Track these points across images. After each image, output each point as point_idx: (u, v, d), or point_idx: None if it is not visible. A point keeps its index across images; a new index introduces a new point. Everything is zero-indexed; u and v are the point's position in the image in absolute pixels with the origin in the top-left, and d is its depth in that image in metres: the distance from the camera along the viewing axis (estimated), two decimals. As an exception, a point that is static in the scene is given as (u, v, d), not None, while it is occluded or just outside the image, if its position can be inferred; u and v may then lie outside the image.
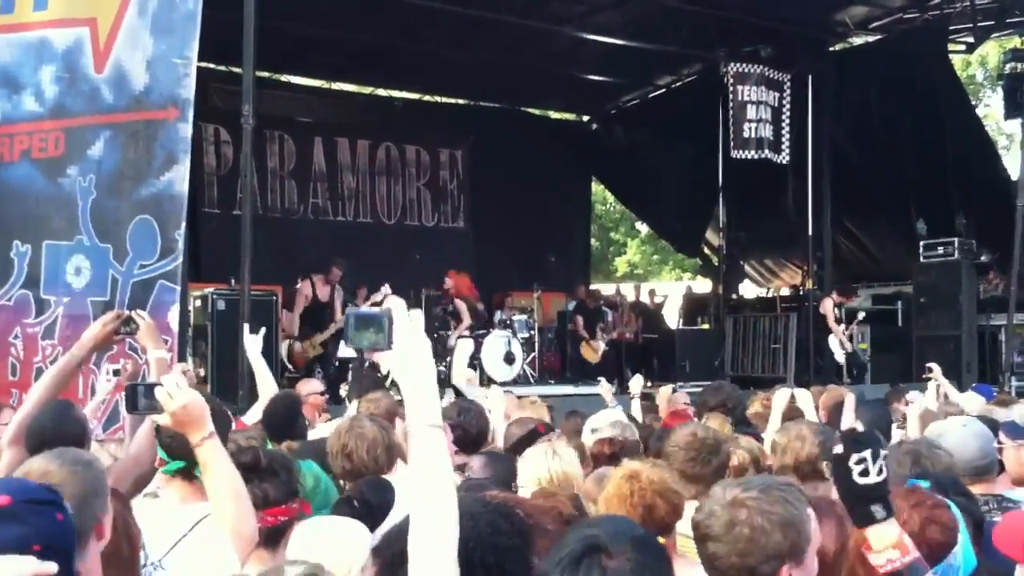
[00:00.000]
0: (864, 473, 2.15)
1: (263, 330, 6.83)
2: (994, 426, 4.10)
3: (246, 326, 6.97)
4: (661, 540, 2.86)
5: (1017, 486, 3.84)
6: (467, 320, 14.43)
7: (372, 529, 3.40)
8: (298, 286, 13.25)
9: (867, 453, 2.17)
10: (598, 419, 5.48)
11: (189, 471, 3.53)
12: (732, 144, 16.15)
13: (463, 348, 12.43)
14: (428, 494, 2.07)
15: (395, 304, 2.20)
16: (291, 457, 3.61)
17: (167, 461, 3.62)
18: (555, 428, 5.51)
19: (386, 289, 11.59)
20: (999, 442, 3.85)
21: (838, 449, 2.23)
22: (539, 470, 3.93)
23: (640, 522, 3.05)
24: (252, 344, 6.58)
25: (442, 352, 13.19)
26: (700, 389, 8.05)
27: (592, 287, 20.01)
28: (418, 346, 2.16)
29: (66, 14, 7.32)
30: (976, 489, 4.01)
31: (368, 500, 3.65)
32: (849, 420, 5.60)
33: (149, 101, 7.15)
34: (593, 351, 15.91)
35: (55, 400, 3.95)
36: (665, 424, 6.01)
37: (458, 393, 8.02)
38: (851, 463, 2.16)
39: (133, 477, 3.74)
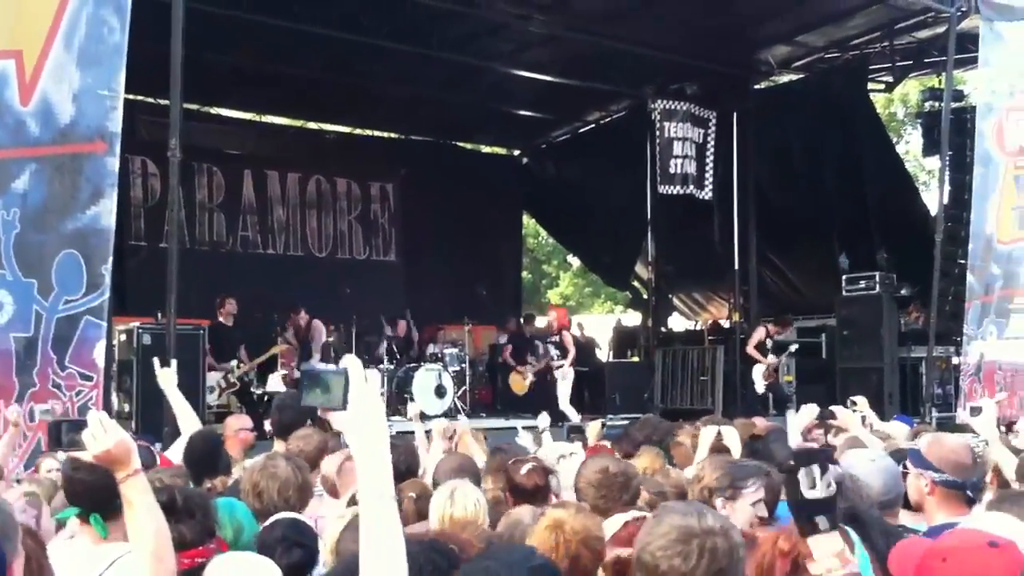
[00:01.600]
0: (812, 486, 2.20)
1: (175, 363, 6.72)
2: (903, 457, 4.22)
3: (156, 361, 6.79)
4: None
5: (916, 513, 3.97)
6: (572, 351, 15.65)
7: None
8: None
9: (815, 468, 2.22)
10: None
11: (85, 517, 3.52)
12: (658, 180, 16.36)
13: (569, 377, 14.80)
14: (378, 568, 2.03)
15: (352, 364, 2.17)
16: (208, 496, 3.56)
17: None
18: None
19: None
20: (904, 468, 3.97)
21: (790, 463, 2.28)
22: (440, 510, 3.96)
23: (566, 573, 3.07)
24: (167, 378, 6.47)
25: (551, 381, 15.08)
26: (627, 422, 8.12)
27: (530, 314, 20.07)
28: (373, 408, 2.14)
29: (-10, 46, 7.22)
30: (879, 521, 4.13)
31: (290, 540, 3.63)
32: (796, 438, 5.69)
33: (75, 134, 7.07)
34: (521, 379, 15.92)
35: None
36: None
37: (564, 418, 9.56)
38: (800, 476, 2.21)
39: None
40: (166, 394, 6.38)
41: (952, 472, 3.81)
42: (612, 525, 3.58)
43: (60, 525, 3.81)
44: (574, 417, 10.37)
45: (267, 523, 3.81)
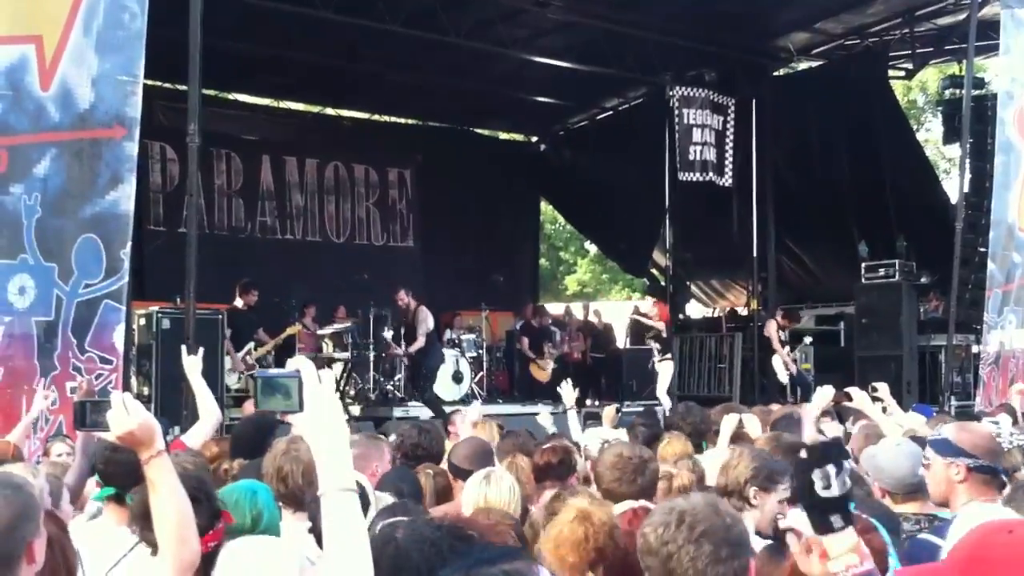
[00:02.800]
0: (826, 487, 2.19)
1: (201, 351, 6.77)
2: (920, 445, 4.19)
3: (183, 349, 6.86)
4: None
5: (938, 503, 3.92)
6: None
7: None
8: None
9: (830, 467, 2.21)
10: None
11: (120, 498, 3.54)
12: (678, 166, 16.34)
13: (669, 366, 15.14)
14: (342, 558, 2.07)
15: (304, 366, 2.19)
16: (206, 478, 3.47)
17: (102, 486, 3.64)
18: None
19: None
20: (925, 459, 3.92)
21: (802, 459, 2.26)
22: (475, 494, 3.99)
23: (590, 563, 3.15)
24: (192, 365, 6.51)
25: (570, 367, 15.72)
26: (642, 408, 8.11)
27: (539, 305, 20.07)
28: (330, 408, 2.16)
29: (10, 31, 7.24)
30: (908, 508, 4.08)
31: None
32: (810, 432, 5.65)
33: (94, 119, 7.08)
34: (542, 370, 15.97)
35: None
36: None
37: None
38: (814, 476, 2.20)
39: None
40: (189, 380, 6.41)
41: (986, 457, 3.76)
42: (616, 512, 3.63)
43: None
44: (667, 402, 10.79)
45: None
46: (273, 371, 2.42)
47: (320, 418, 2.15)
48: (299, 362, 2.22)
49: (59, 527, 2.97)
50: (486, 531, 2.89)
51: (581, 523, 3.21)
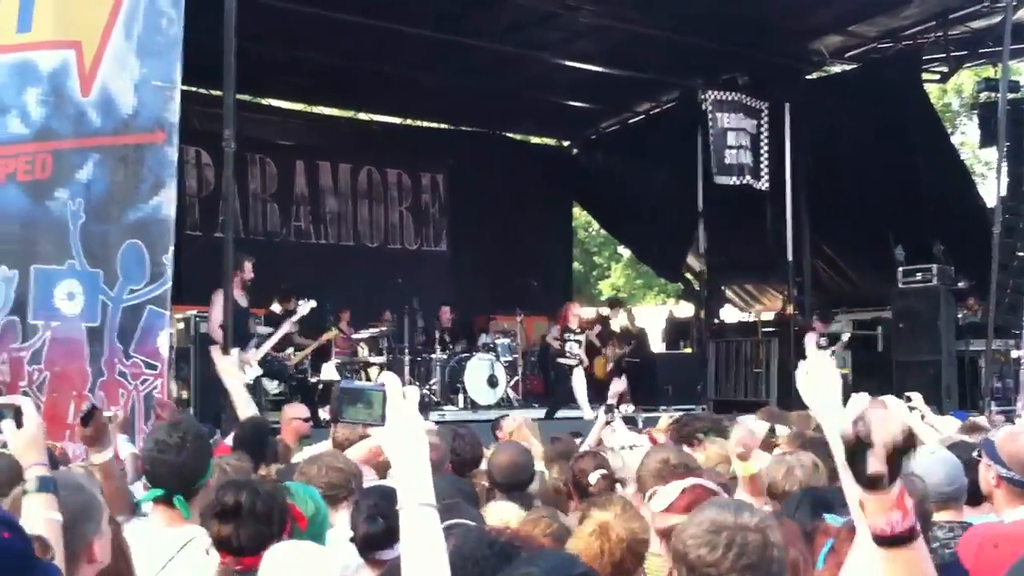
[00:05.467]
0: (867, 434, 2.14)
1: (235, 351, 6.80)
2: (968, 450, 4.18)
3: (215, 350, 6.90)
4: None
5: (977, 508, 3.94)
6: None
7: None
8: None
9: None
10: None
11: (168, 499, 3.56)
12: (715, 170, 16.25)
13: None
14: (421, 573, 2.08)
15: (389, 380, 2.22)
16: (277, 493, 3.40)
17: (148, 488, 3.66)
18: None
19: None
20: (978, 456, 3.94)
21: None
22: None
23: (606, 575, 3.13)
24: (227, 367, 6.55)
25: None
26: (680, 414, 8.07)
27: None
28: (412, 424, 2.19)
29: (51, 36, 7.29)
30: (942, 516, 4.05)
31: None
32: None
33: (137, 124, 7.12)
34: (604, 369, 15.94)
35: None
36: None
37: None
38: (857, 423, 2.15)
39: None
40: (225, 383, 6.45)
41: (1019, 470, 3.77)
42: (670, 493, 3.54)
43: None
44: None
45: (366, 488, 3.81)
46: (358, 383, 2.44)
47: (402, 433, 2.17)
48: (387, 377, 2.24)
49: (116, 528, 2.99)
50: (530, 544, 2.89)
51: (598, 537, 3.22)
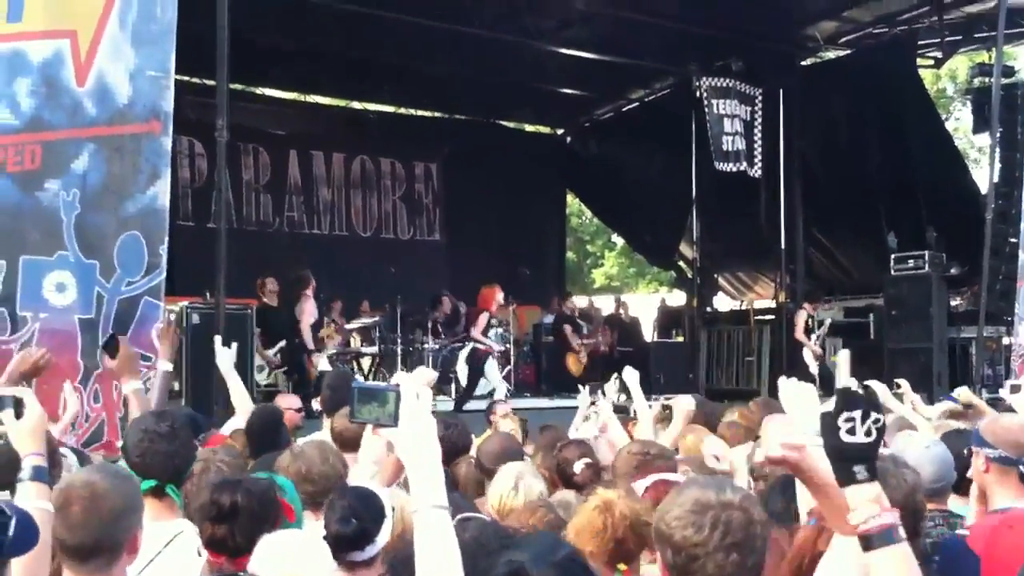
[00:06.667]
0: (851, 432, 2.14)
1: (235, 345, 6.81)
2: (961, 441, 4.19)
3: (218, 340, 6.92)
4: (623, 567, 2.92)
5: (963, 497, 3.97)
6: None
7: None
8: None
9: (857, 413, 2.16)
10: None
11: (160, 489, 3.53)
12: (714, 156, 16.19)
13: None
14: (433, 573, 2.10)
15: (404, 381, 2.23)
16: (268, 491, 3.35)
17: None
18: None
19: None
20: (969, 451, 3.96)
21: (828, 406, 2.22)
22: (501, 498, 4.00)
23: (608, 555, 3.11)
24: (225, 358, 6.55)
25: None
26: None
27: (568, 293, 20.04)
28: (426, 426, 2.19)
29: (43, 26, 7.22)
30: (928, 506, 4.09)
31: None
32: (844, 379, 5.59)
33: (133, 114, 7.06)
34: (579, 362, 15.94)
35: None
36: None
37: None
38: (839, 420, 2.15)
39: None
40: (223, 374, 6.46)
41: (1007, 449, 3.80)
42: (638, 488, 3.60)
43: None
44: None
45: (341, 486, 3.79)
46: (372, 382, 2.46)
47: (416, 435, 2.18)
48: (401, 377, 2.24)
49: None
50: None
51: (601, 513, 3.19)
